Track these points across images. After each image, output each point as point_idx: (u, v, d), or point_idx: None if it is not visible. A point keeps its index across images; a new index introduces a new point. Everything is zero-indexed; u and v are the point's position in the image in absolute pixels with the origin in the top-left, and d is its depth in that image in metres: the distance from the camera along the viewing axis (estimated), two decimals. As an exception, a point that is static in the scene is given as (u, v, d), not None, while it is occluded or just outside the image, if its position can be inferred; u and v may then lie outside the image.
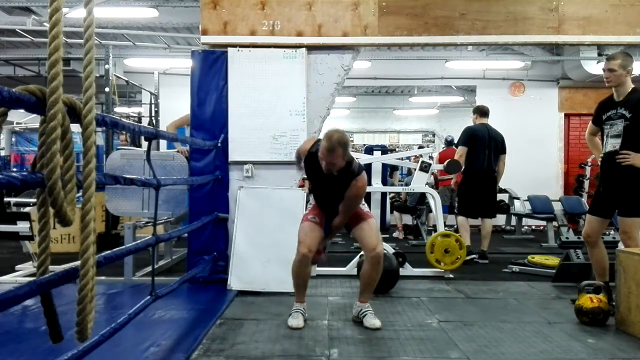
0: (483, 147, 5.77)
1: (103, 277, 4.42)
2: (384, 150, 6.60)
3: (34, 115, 2.59)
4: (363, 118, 15.81)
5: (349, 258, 4.94)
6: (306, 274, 3.37)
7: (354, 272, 4.47)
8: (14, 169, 14.03)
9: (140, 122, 9.76)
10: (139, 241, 2.82)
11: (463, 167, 5.70)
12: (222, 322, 3.37)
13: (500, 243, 7.35)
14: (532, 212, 7.72)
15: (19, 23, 7.50)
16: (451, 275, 4.83)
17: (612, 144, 3.57)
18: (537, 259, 5.33)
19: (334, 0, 4.60)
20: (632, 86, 3.56)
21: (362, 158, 5.20)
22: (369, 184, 4.98)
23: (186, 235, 4.49)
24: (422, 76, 10.14)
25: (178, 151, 5.14)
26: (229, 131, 4.59)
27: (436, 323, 3.41)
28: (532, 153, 9.13)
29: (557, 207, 7.22)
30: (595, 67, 8.59)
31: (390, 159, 6.24)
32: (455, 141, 7.19)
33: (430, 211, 6.22)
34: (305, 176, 3.60)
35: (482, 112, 6.06)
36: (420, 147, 14.32)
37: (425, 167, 5.12)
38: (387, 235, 7.33)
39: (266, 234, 4.35)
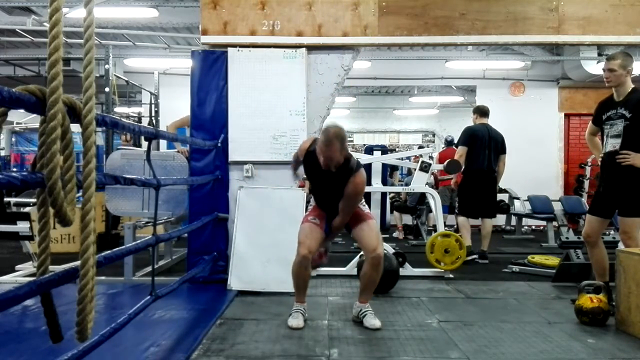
0: (483, 147, 5.77)
1: (103, 277, 4.42)
2: (384, 150, 6.59)
3: (34, 115, 2.59)
4: (363, 118, 15.80)
5: (349, 258, 4.94)
6: (306, 275, 3.36)
7: (354, 272, 4.47)
8: (14, 169, 14.03)
9: (140, 122, 9.75)
10: (139, 241, 2.82)
11: (463, 167, 5.70)
12: (222, 322, 3.37)
13: (500, 243, 7.34)
14: (532, 212, 7.72)
15: (19, 23, 7.50)
16: (451, 275, 4.83)
17: (612, 144, 3.57)
18: (537, 259, 5.33)
19: (334, 0, 4.60)
20: (632, 86, 3.56)
21: (362, 158, 5.19)
22: (369, 184, 4.99)
23: (186, 235, 4.49)
24: (422, 76, 10.13)
25: (178, 151, 5.15)
26: (229, 131, 4.59)
27: (436, 323, 3.41)
28: (532, 153, 9.13)
29: (557, 207, 7.23)
30: (595, 67, 8.58)
31: (390, 159, 6.23)
32: (455, 141, 7.18)
33: (430, 211, 6.22)
34: (305, 176, 3.59)
35: (482, 112, 6.06)
36: (420, 147, 14.32)
37: (425, 167, 5.12)
38: (387, 235, 7.33)
39: (266, 234, 4.35)
